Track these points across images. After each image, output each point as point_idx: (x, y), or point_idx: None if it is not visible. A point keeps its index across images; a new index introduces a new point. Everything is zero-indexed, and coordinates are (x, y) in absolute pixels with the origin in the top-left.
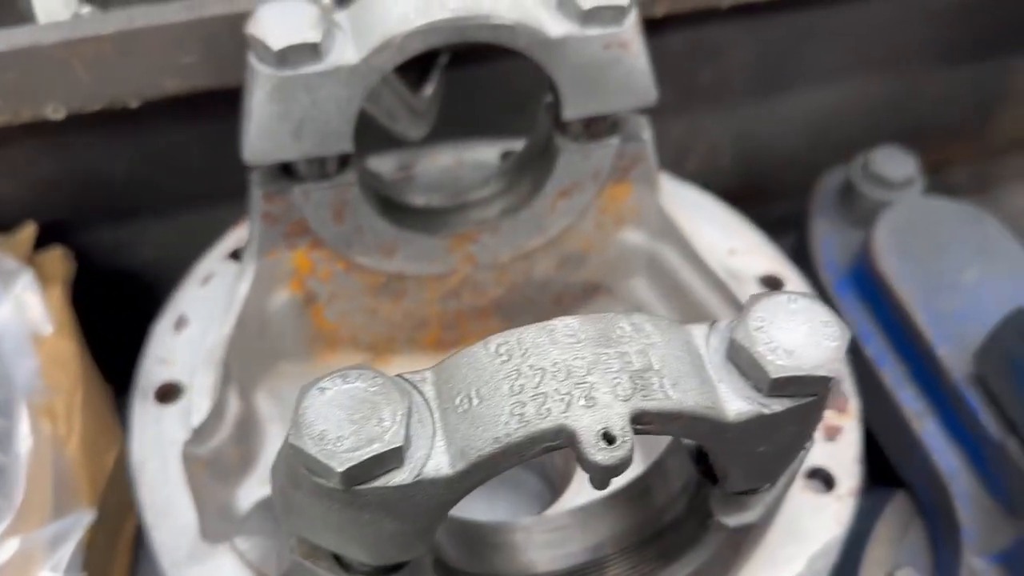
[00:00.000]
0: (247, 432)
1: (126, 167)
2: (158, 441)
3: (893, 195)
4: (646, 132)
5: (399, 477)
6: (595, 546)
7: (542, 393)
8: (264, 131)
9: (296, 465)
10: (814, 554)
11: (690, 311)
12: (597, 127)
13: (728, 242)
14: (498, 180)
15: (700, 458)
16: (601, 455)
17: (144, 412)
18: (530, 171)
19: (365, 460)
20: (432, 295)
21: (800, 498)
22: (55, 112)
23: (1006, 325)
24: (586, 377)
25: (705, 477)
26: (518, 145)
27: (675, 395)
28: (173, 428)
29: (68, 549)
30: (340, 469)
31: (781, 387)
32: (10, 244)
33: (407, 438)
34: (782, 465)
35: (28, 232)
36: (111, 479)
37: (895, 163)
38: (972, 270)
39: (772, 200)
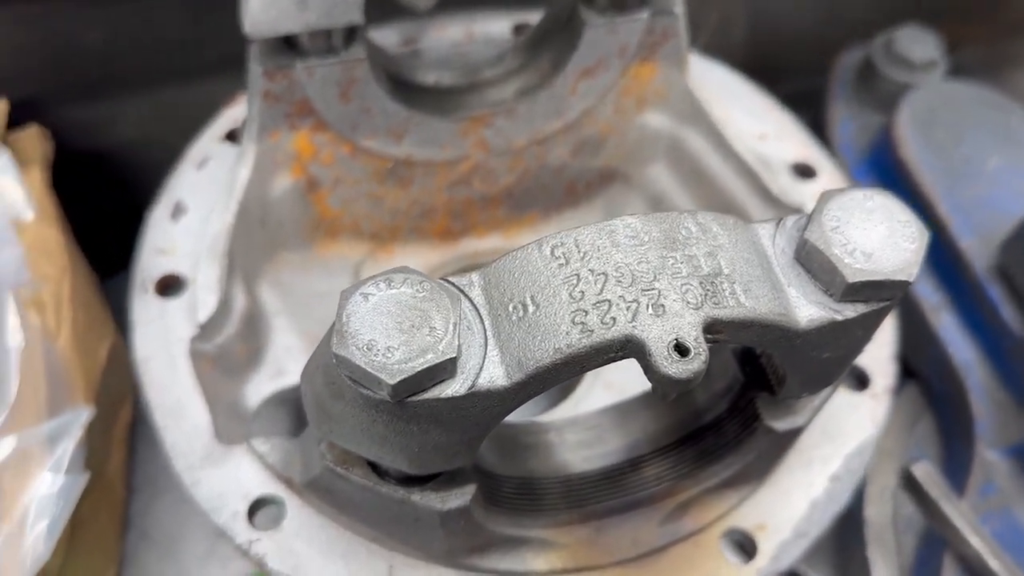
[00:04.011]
0: (253, 326)
1: (103, 38)
2: (163, 337)
3: (915, 78)
4: (678, 6)
5: (451, 388)
6: (630, 445)
7: (606, 300)
8: (267, 0)
9: (339, 375)
10: (849, 453)
11: (714, 199)
12: None
13: (758, 126)
14: (513, 57)
15: (746, 360)
16: (675, 368)
17: (145, 306)
18: (550, 47)
19: (418, 372)
20: (441, 182)
21: (835, 397)
22: None
23: None
24: (653, 283)
25: (752, 381)
26: (532, 17)
27: (747, 302)
28: (178, 323)
29: (68, 447)
30: (392, 381)
31: (855, 292)
32: None
33: (459, 348)
34: (841, 370)
35: None
36: (105, 372)
37: (919, 44)
38: (995, 158)
39: (781, 78)
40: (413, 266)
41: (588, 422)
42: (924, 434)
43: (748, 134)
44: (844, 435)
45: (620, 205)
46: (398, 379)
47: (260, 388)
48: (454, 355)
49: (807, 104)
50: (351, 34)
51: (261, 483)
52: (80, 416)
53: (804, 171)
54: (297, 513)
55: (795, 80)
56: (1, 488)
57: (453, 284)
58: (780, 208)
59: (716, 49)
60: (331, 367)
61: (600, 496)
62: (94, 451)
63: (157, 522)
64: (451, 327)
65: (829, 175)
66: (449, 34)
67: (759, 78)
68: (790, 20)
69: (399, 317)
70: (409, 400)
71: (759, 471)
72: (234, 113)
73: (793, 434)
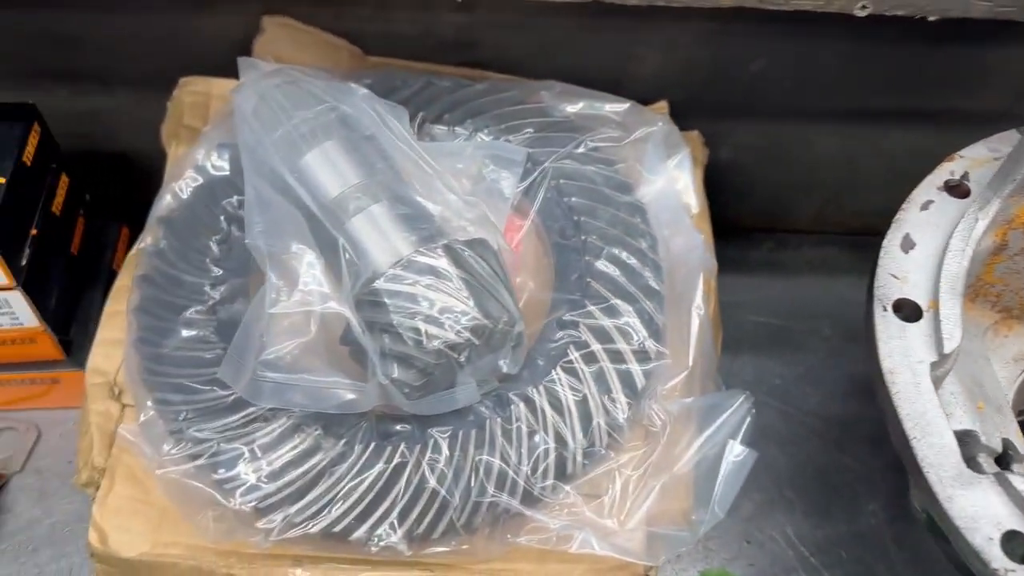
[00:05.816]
0: None
1: (763, 67)
2: (904, 355)
3: None
4: None
5: None
6: None
7: None
8: None
9: None
10: None
11: None
12: None
13: None
14: None
15: None
16: None
17: (885, 323)
18: None
19: None
20: None
21: None
22: (862, 10)
23: None
24: None
25: None
26: None
27: None
28: (918, 346)
29: (744, 422)
30: None
31: None
32: None
33: None
34: None
35: (661, 108)
36: None
37: None
38: None
39: None
40: None
41: None
42: None
43: None
44: None
45: None
46: None
47: None
48: None
49: None
50: None
51: (1010, 517)
52: (739, 397)
53: None
54: None
55: None
56: (664, 443)
57: None
58: None
59: None
60: None
61: None
62: None
63: None
64: None
65: None
66: None
67: None
68: None
69: None
70: None
71: None
72: (950, 166)
73: None
